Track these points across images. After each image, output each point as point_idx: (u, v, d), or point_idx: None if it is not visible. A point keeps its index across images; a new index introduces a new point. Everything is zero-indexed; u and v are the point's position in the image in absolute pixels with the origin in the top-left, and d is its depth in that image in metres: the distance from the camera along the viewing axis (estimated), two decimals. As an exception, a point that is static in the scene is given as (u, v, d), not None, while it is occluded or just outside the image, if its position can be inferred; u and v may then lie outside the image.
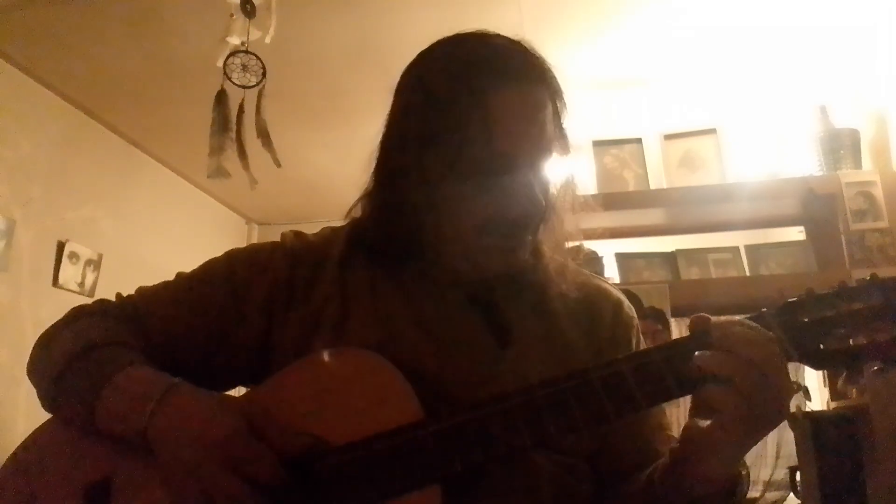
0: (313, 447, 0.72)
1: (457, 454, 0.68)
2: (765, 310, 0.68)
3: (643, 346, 0.91)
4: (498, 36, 0.81)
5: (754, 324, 0.66)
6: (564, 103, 0.82)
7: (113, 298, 0.90)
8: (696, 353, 0.65)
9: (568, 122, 0.83)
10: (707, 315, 0.69)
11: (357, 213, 0.88)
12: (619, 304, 0.91)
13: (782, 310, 0.68)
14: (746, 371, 0.62)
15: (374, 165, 0.84)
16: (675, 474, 0.72)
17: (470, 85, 0.75)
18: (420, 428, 0.70)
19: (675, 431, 0.89)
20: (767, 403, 0.63)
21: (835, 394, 2.13)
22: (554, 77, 0.81)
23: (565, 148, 0.83)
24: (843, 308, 0.66)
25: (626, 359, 0.68)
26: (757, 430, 0.65)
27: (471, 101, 0.74)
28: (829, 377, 2.14)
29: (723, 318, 0.68)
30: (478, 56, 0.78)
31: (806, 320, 0.66)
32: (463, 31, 0.83)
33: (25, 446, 0.83)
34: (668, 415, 0.89)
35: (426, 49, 0.84)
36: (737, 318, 0.68)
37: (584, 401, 0.67)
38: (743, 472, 0.71)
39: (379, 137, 0.84)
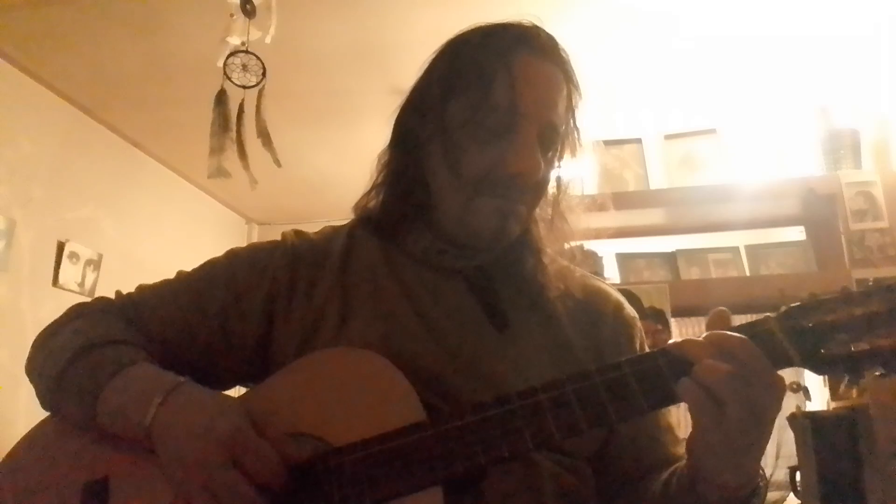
0: (314, 447, 0.72)
1: (459, 456, 0.68)
2: (768, 314, 0.68)
3: (646, 346, 0.91)
4: (534, 23, 0.87)
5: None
6: (579, 99, 0.87)
7: (112, 297, 0.91)
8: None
9: (581, 122, 0.87)
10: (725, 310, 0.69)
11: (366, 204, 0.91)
12: (619, 305, 0.91)
13: (785, 314, 0.67)
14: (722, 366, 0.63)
15: (391, 133, 0.89)
16: (693, 486, 0.72)
17: (498, 46, 0.82)
18: (422, 429, 0.70)
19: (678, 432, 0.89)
20: (746, 402, 0.62)
21: (835, 394, 2.13)
22: (574, 72, 0.87)
23: (573, 144, 0.87)
24: (846, 313, 0.65)
25: (629, 362, 0.68)
26: (741, 428, 0.63)
27: (498, 58, 0.81)
28: (829, 381, 2.13)
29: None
30: (506, 26, 0.85)
31: (808, 325, 0.66)
32: None
33: (23, 445, 0.82)
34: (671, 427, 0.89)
35: None
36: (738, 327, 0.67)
37: (586, 403, 0.67)
38: (761, 483, 0.70)
39: (401, 103, 0.89)
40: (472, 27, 0.87)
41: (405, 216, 0.87)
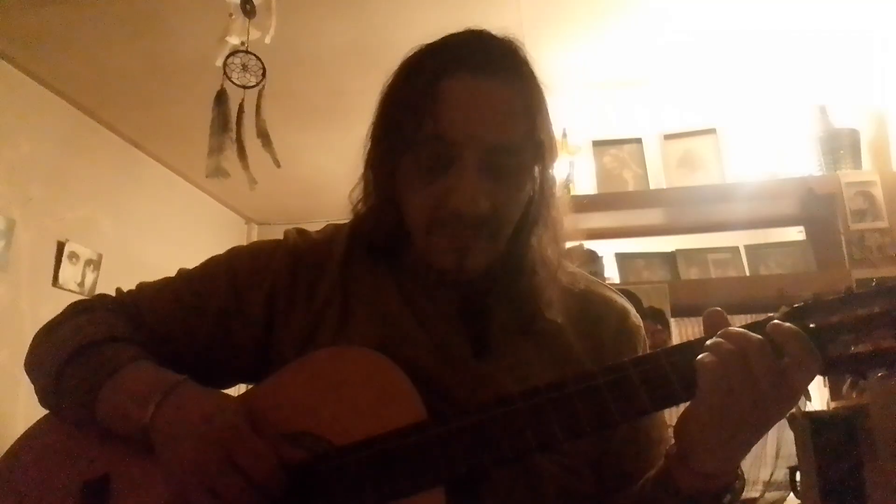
0: (316, 447, 0.72)
1: (462, 456, 0.68)
2: (770, 314, 0.68)
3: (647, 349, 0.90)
4: (482, 32, 0.81)
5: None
6: (542, 108, 0.80)
7: (113, 294, 0.90)
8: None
9: (549, 128, 0.81)
10: (720, 310, 0.69)
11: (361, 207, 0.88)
12: (624, 313, 0.90)
13: (788, 315, 0.67)
14: (731, 352, 0.63)
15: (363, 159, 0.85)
16: (667, 472, 0.72)
17: (426, 68, 0.77)
18: (424, 429, 0.70)
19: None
20: (750, 391, 0.63)
21: (835, 394, 2.13)
22: (531, 80, 0.80)
23: (541, 153, 0.80)
24: (849, 314, 0.65)
25: (633, 362, 0.68)
26: (741, 418, 0.64)
27: (424, 83, 0.76)
28: (830, 381, 2.14)
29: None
30: (441, 45, 0.80)
31: (811, 326, 0.66)
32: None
33: (22, 443, 0.83)
34: (667, 426, 0.89)
35: None
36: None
37: (589, 404, 0.67)
38: (737, 484, 0.70)
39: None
40: (415, 49, 0.82)
41: (388, 239, 0.85)
